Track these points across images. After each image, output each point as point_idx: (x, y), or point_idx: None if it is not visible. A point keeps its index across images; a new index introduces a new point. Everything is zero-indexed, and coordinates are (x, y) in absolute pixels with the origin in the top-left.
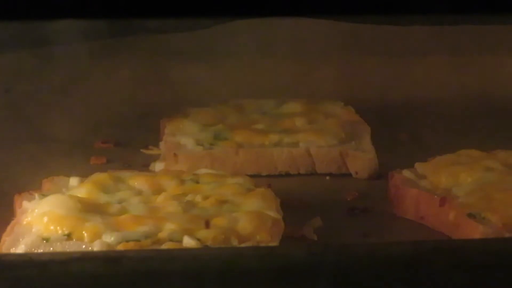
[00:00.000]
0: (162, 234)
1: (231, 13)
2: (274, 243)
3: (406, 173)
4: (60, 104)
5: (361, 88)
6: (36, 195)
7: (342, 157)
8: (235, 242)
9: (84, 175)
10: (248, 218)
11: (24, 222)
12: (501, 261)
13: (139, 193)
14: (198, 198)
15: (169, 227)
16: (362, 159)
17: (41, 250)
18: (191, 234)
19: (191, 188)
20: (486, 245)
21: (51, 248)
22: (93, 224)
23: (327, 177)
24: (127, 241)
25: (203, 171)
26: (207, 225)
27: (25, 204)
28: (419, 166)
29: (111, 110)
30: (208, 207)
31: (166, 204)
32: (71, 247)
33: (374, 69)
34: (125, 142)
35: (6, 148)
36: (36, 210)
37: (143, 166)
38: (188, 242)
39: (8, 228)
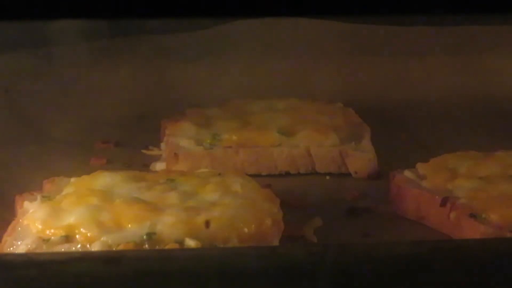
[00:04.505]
0: (162, 230)
1: (231, 13)
2: (274, 243)
3: (407, 173)
4: (60, 104)
5: (361, 88)
6: (38, 196)
7: (342, 157)
8: (235, 242)
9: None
10: (247, 218)
11: (25, 223)
12: (501, 261)
13: (136, 188)
14: (197, 196)
15: (167, 220)
16: (362, 159)
17: (41, 250)
18: (190, 230)
19: (190, 185)
20: (486, 245)
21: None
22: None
23: (327, 177)
24: (128, 241)
25: (203, 170)
26: (207, 225)
27: (26, 204)
28: (420, 167)
29: (111, 110)
30: (208, 207)
31: (165, 200)
32: (71, 247)
33: (374, 69)
34: (125, 142)
35: (6, 148)
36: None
37: (144, 166)
38: (188, 242)
39: (9, 228)
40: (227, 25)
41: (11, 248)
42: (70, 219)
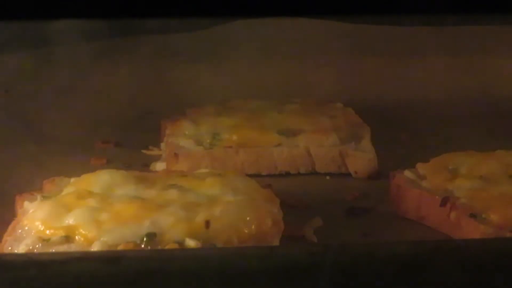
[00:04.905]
0: (162, 230)
1: (231, 13)
2: (274, 243)
3: (408, 173)
4: (60, 104)
5: (361, 88)
6: (38, 196)
7: (342, 157)
8: (235, 242)
9: None
10: (248, 218)
11: (25, 223)
12: (501, 261)
13: (136, 188)
14: (197, 197)
15: (167, 220)
16: (362, 159)
17: (41, 250)
18: (190, 230)
19: (190, 185)
20: (486, 245)
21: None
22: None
23: (327, 177)
24: (128, 241)
25: (203, 170)
26: (207, 225)
27: (26, 204)
28: (420, 167)
29: (111, 110)
30: (208, 207)
31: (165, 200)
32: (71, 247)
33: (374, 69)
34: (125, 142)
35: (7, 148)
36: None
37: (144, 166)
38: (188, 242)
39: (9, 228)
40: (227, 25)
41: (11, 248)
42: (70, 219)
